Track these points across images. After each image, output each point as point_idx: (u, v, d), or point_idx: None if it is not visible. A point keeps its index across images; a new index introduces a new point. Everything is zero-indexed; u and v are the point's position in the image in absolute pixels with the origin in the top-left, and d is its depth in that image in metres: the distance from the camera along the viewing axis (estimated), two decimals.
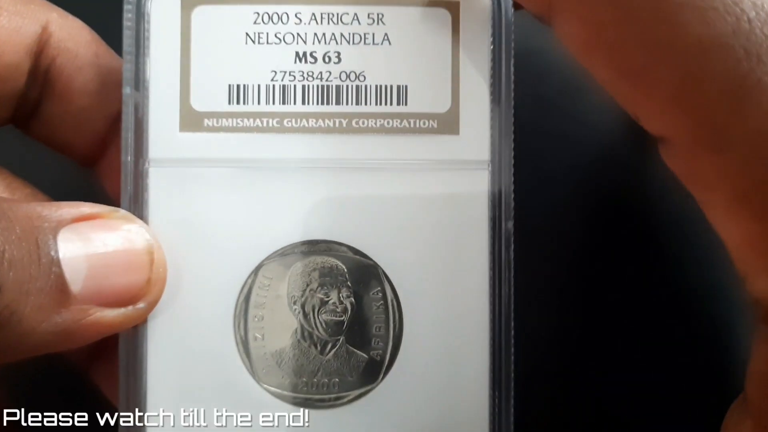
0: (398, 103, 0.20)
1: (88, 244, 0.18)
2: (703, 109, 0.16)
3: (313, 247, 0.20)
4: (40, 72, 0.21)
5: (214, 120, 0.20)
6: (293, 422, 0.20)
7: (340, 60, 0.20)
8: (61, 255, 0.18)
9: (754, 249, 0.17)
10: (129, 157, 0.20)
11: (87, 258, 0.18)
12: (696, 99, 0.16)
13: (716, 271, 0.23)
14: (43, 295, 0.17)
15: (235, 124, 0.20)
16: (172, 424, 0.20)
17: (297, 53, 0.20)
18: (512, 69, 0.20)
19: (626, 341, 0.24)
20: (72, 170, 0.23)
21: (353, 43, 0.20)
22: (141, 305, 0.19)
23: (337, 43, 0.20)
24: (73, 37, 0.21)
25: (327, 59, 0.20)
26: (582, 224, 0.25)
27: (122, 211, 0.20)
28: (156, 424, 0.20)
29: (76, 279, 0.18)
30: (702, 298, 0.23)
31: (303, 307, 0.20)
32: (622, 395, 0.24)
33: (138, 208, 0.20)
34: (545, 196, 0.24)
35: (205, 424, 0.20)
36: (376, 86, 0.20)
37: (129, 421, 0.20)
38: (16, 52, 0.21)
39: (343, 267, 0.20)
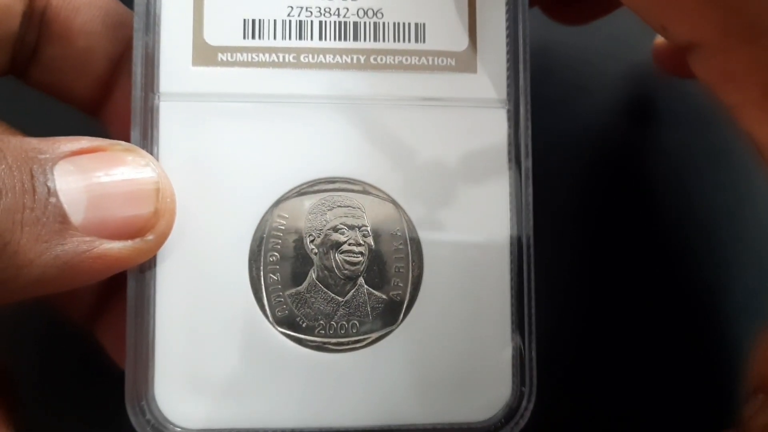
0: (416, 41, 0.20)
1: (87, 174, 0.17)
2: (734, 1, 0.16)
3: (330, 184, 0.20)
4: (36, 14, 0.20)
5: (229, 54, 0.20)
6: (310, 366, 0.19)
7: None
8: (58, 186, 0.17)
9: None
10: (139, 92, 0.19)
11: (87, 188, 0.17)
12: None
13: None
14: (39, 226, 0.16)
15: (250, 59, 0.20)
16: (181, 369, 0.19)
17: None
18: (527, 9, 0.20)
19: (645, 275, 0.24)
20: (74, 122, 0.22)
21: None
22: (150, 237, 0.18)
23: None
24: None
25: None
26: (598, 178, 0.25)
27: (124, 143, 0.19)
28: (164, 370, 0.19)
29: (76, 210, 0.17)
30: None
31: (320, 246, 0.20)
32: (644, 334, 0.24)
33: (147, 144, 0.19)
34: (563, 148, 0.24)
35: (217, 370, 0.19)
36: (394, 23, 0.20)
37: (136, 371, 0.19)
38: None
39: (362, 205, 0.20)
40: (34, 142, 0.17)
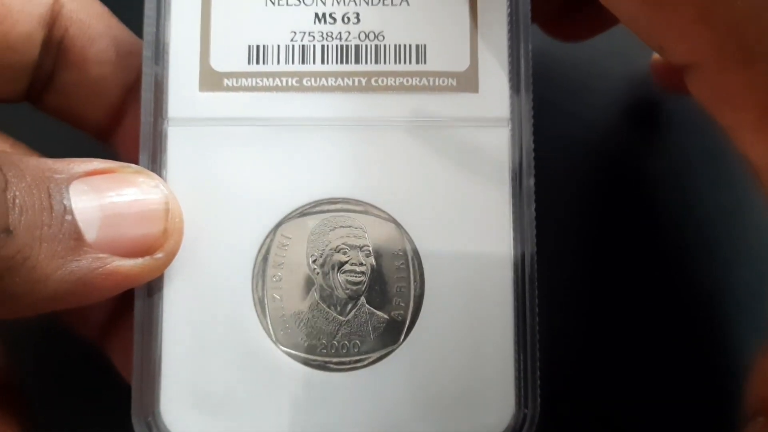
0: (417, 62, 0.20)
1: (101, 194, 0.18)
2: (731, 24, 0.16)
3: (332, 205, 0.20)
4: (54, 42, 0.21)
5: (234, 80, 0.20)
6: (311, 385, 0.19)
7: (359, 20, 0.20)
8: (73, 204, 0.17)
9: None
10: (148, 117, 0.20)
11: (100, 208, 0.18)
12: (723, 15, 0.16)
13: None
14: (56, 242, 0.17)
15: (254, 84, 0.20)
16: (186, 386, 0.19)
17: (316, 14, 0.20)
18: (530, 28, 0.20)
19: (651, 292, 0.23)
20: (86, 147, 0.23)
21: (372, 4, 0.20)
22: (159, 255, 0.19)
23: (356, 4, 0.20)
24: (85, 9, 0.22)
25: (346, 20, 0.20)
26: (600, 189, 0.24)
27: (134, 166, 0.19)
28: (170, 387, 0.19)
29: (90, 228, 0.18)
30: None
31: (322, 267, 0.20)
32: (648, 349, 0.23)
33: (156, 168, 0.20)
34: (564, 158, 0.24)
35: (220, 387, 0.19)
36: (395, 45, 0.20)
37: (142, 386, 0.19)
38: (29, 21, 0.21)
39: (364, 226, 0.20)
40: (49, 163, 0.18)
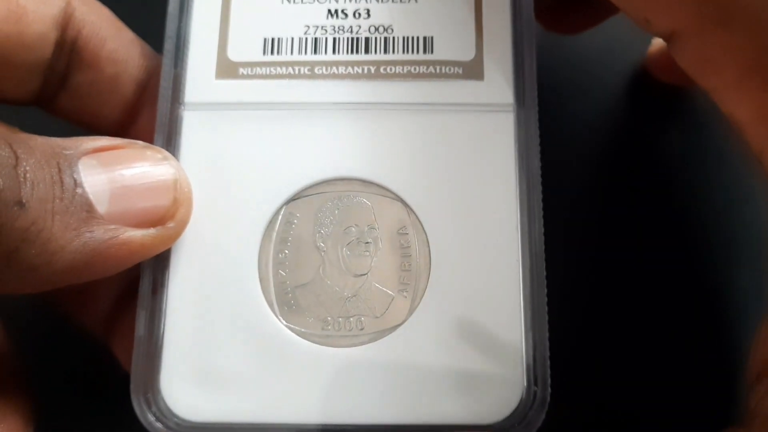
0: (425, 52, 0.21)
1: (109, 168, 0.19)
2: None
3: (339, 185, 0.20)
4: (67, 43, 0.22)
5: (249, 69, 0.21)
6: (316, 361, 0.19)
7: (369, 15, 0.21)
8: (83, 178, 0.18)
9: (766, 120, 0.17)
10: (166, 104, 0.21)
11: (110, 180, 0.18)
12: None
13: None
14: (68, 215, 0.17)
15: (268, 72, 0.21)
16: (188, 363, 0.19)
17: (329, 10, 0.21)
18: (533, 17, 0.21)
19: (652, 270, 0.23)
20: None
21: (382, 0, 0.21)
22: (170, 225, 0.19)
23: (366, 0, 0.21)
24: (95, 11, 0.22)
25: (357, 15, 0.21)
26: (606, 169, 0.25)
27: (141, 142, 0.20)
28: (172, 364, 0.19)
29: (101, 200, 0.18)
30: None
31: (328, 244, 0.20)
32: (652, 320, 0.22)
33: (171, 149, 0.20)
34: (570, 143, 0.24)
35: (224, 364, 0.19)
36: (404, 37, 0.21)
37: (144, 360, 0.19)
38: (43, 22, 0.21)
39: (370, 204, 0.20)
40: (58, 141, 0.19)
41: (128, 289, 0.19)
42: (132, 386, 0.19)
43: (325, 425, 0.19)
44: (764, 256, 0.19)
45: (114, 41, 0.22)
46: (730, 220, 0.23)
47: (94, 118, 0.23)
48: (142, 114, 0.23)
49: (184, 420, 0.19)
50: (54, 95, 0.23)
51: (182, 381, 0.19)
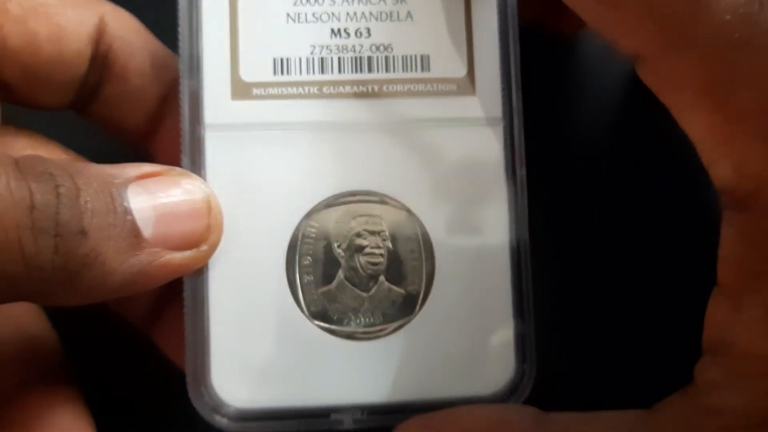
0: (422, 70, 0.23)
1: (153, 196, 0.21)
2: (667, 17, 0.19)
3: (353, 197, 0.23)
4: (100, 58, 0.24)
5: (262, 89, 0.23)
6: (340, 353, 0.23)
7: (370, 35, 0.23)
8: (132, 205, 0.20)
9: (715, 137, 0.19)
10: (187, 124, 0.23)
11: (154, 208, 0.21)
12: (660, 10, 0.19)
13: None
14: (120, 240, 0.20)
15: (279, 92, 0.23)
16: (233, 359, 0.22)
17: (332, 29, 0.23)
18: (518, 37, 0.23)
19: (636, 274, 0.27)
20: (124, 155, 0.25)
21: (381, 20, 0.23)
22: (204, 247, 0.22)
23: (367, 20, 0.23)
24: (125, 26, 0.24)
25: (359, 34, 0.23)
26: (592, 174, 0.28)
27: (179, 169, 0.22)
28: (219, 360, 0.22)
29: (146, 226, 0.20)
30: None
31: (346, 250, 0.23)
32: (635, 324, 0.26)
33: (196, 169, 0.22)
34: (560, 152, 0.27)
35: (262, 358, 0.22)
36: (403, 56, 0.23)
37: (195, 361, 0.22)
38: (80, 40, 0.23)
39: (380, 213, 0.23)
40: (108, 169, 0.21)
41: (168, 286, 0.22)
42: (188, 382, 0.22)
43: (352, 405, 0.22)
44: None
45: (142, 54, 0.24)
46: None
47: (121, 125, 0.25)
48: (165, 123, 0.24)
49: (232, 407, 0.22)
50: (86, 103, 0.24)
51: (229, 375, 0.22)
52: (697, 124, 0.20)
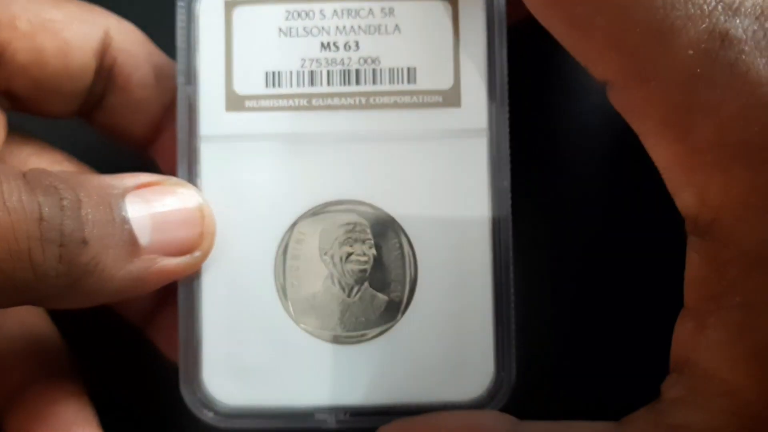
0: (409, 82, 0.24)
1: (150, 205, 0.22)
2: (632, 49, 0.19)
3: (339, 205, 0.24)
4: (104, 69, 0.25)
5: (254, 101, 0.24)
6: (325, 356, 0.23)
7: (358, 48, 0.24)
8: (129, 215, 0.21)
9: (678, 166, 0.20)
10: (183, 135, 0.24)
11: (150, 216, 0.22)
12: (626, 41, 0.19)
13: None
14: (119, 248, 0.21)
15: (271, 105, 0.24)
16: (223, 359, 0.24)
17: (322, 43, 0.24)
18: (505, 51, 0.24)
19: (616, 288, 0.27)
20: (126, 157, 0.27)
21: (369, 33, 0.24)
22: (197, 253, 0.23)
23: (355, 33, 0.24)
24: (130, 39, 0.25)
25: (347, 47, 0.24)
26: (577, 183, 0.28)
27: (174, 178, 0.23)
28: (210, 360, 0.24)
29: (143, 234, 0.22)
30: None
31: (332, 257, 0.24)
32: (614, 335, 0.27)
33: (192, 178, 0.24)
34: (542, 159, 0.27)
35: (251, 359, 0.23)
36: (390, 69, 0.24)
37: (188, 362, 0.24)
38: (86, 54, 0.24)
39: (365, 222, 0.24)
40: (107, 179, 0.22)
41: (164, 287, 0.23)
42: (180, 379, 0.23)
43: (335, 407, 0.23)
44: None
45: (145, 66, 0.25)
46: None
47: (123, 133, 0.26)
48: (166, 131, 0.26)
49: (222, 403, 0.24)
50: (91, 112, 0.26)
51: (219, 373, 0.24)
52: (660, 153, 0.20)
